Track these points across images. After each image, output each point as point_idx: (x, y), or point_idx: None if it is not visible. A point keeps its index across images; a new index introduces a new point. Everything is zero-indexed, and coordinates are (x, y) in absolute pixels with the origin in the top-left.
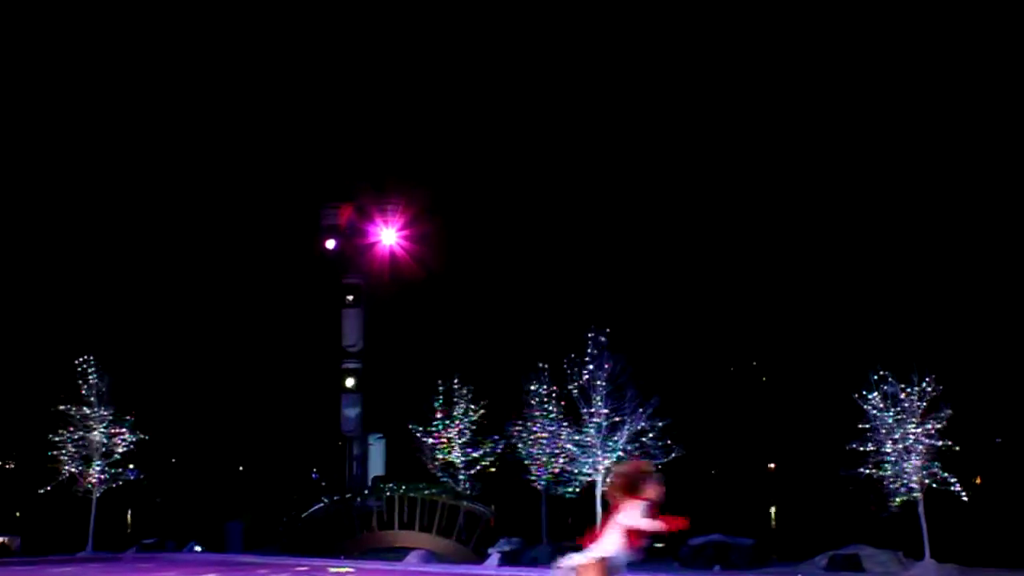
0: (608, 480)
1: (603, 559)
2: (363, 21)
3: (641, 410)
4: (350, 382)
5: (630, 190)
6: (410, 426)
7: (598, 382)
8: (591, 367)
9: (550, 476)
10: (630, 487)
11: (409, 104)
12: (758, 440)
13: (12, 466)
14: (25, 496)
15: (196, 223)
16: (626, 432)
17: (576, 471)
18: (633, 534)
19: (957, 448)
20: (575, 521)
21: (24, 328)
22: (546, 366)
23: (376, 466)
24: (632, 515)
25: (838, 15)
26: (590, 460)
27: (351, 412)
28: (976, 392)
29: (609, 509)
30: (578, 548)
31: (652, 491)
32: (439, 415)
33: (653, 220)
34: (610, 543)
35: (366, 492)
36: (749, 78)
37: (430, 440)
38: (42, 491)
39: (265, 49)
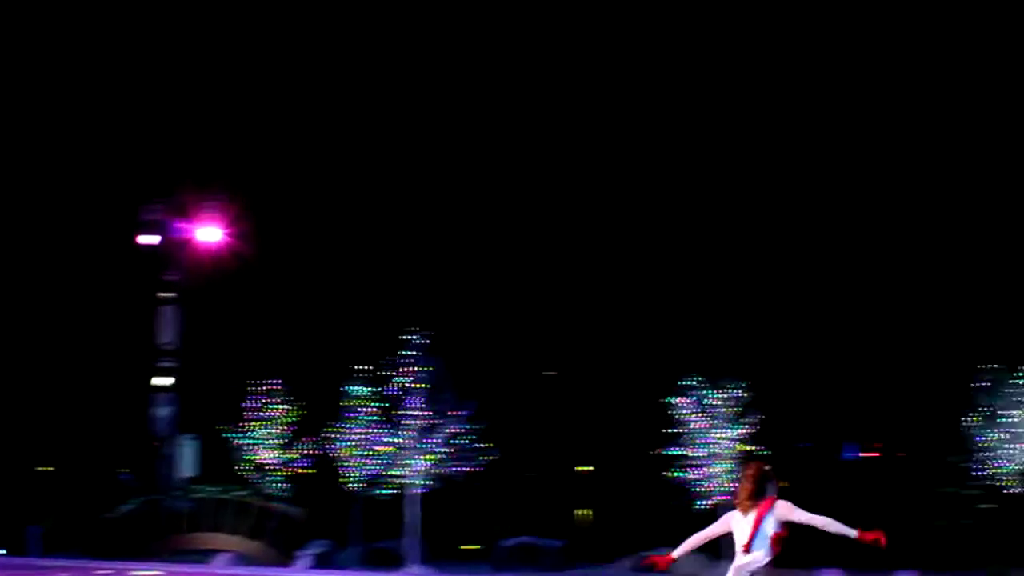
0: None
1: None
2: (188, 15)
3: (458, 413)
4: (163, 381)
5: (450, 190)
6: (224, 426)
7: (416, 384)
8: (409, 369)
9: (365, 478)
10: (758, 492)
11: (230, 100)
12: (572, 443)
13: None
14: None
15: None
16: (442, 434)
17: (391, 473)
18: (778, 537)
19: (766, 452)
20: (387, 523)
21: None
22: (365, 368)
23: (188, 467)
24: (789, 514)
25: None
26: (405, 462)
27: (163, 412)
28: (785, 398)
29: (755, 515)
30: None
31: (775, 490)
32: (253, 416)
33: (471, 222)
34: (761, 549)
35: (176, 493)
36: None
37: (244, 441)
38: None
39: (87, 41)
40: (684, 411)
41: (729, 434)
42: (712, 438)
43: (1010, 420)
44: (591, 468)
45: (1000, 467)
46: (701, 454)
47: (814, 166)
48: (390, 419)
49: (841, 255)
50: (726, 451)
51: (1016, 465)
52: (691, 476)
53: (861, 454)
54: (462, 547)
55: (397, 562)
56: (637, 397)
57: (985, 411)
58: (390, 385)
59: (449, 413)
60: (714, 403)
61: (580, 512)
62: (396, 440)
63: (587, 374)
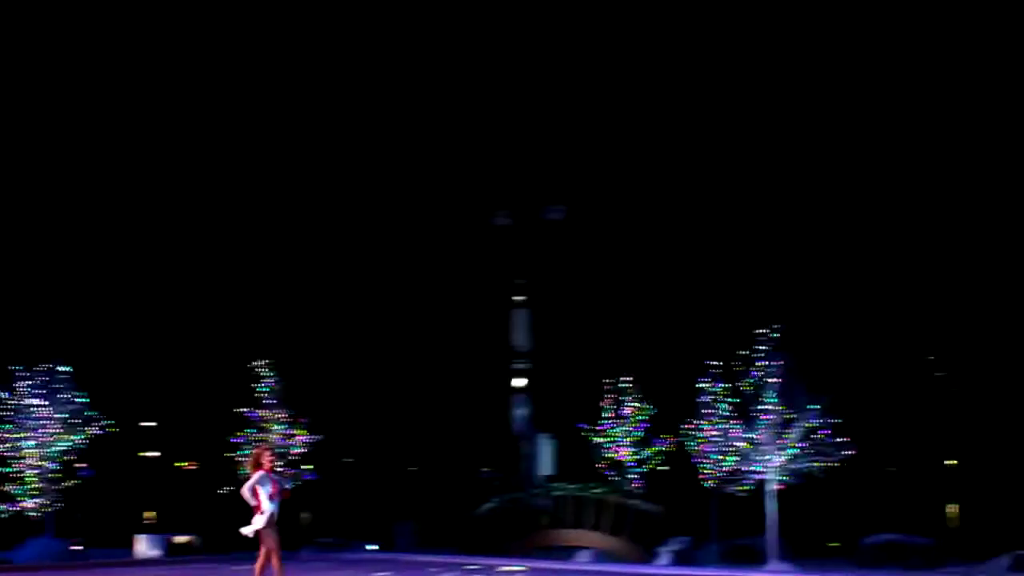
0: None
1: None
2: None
3: (812, 408)
4: (519, 382)
5: (802, 183)
6: (579, 425)
7: (769, 379)
8: (762, 364)
9: (721, 475)
10: (255, 463)
11: (578, 104)
12: (935, 436)
13: (195, 467)
14: (205, 496)
15: (362, 226)
16: (797, 430)
17: (747, 469)
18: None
19: None
20: (746, 520)
21: (201, 333)
22: (717, 364)
23: (546, 465)
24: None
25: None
26: (762, 458)
27: (520, 412)
28: None
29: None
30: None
31: (267, 462)
32: (608, 414)
33: (821, 215)
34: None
35: (536, 491)
36: None
37: (600, 439)
38: (222, 491)
39: (463, 56)
40: None
41: None
42: None
43: None
44: (955, 463)
45: None
46: None
47: None
48: (745, 415)
49: None
50: None
51: None
52: None
53: None
54: (828, 544)
55: (758, 559)
56: (1005, 386)
57: None
58: (743, 380)
59: (803, 407)
60: None
61: (949, 508)
62: (752, 436)
63: (950, 363)
